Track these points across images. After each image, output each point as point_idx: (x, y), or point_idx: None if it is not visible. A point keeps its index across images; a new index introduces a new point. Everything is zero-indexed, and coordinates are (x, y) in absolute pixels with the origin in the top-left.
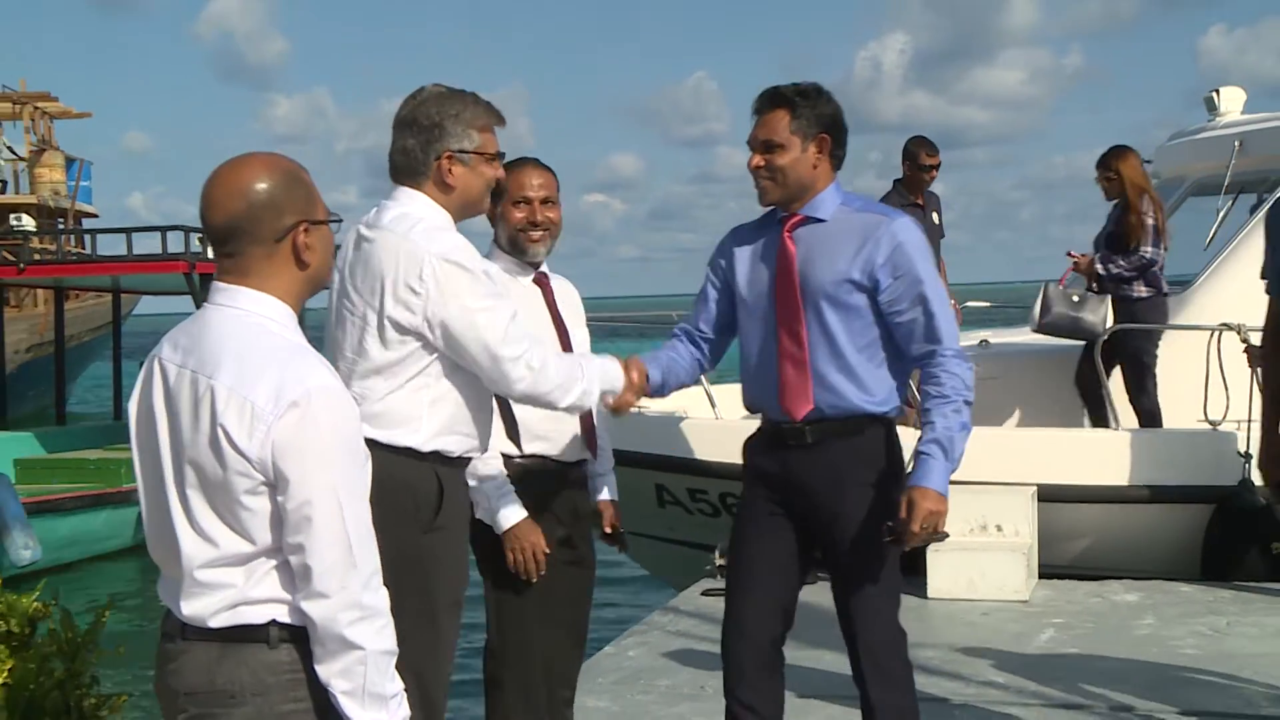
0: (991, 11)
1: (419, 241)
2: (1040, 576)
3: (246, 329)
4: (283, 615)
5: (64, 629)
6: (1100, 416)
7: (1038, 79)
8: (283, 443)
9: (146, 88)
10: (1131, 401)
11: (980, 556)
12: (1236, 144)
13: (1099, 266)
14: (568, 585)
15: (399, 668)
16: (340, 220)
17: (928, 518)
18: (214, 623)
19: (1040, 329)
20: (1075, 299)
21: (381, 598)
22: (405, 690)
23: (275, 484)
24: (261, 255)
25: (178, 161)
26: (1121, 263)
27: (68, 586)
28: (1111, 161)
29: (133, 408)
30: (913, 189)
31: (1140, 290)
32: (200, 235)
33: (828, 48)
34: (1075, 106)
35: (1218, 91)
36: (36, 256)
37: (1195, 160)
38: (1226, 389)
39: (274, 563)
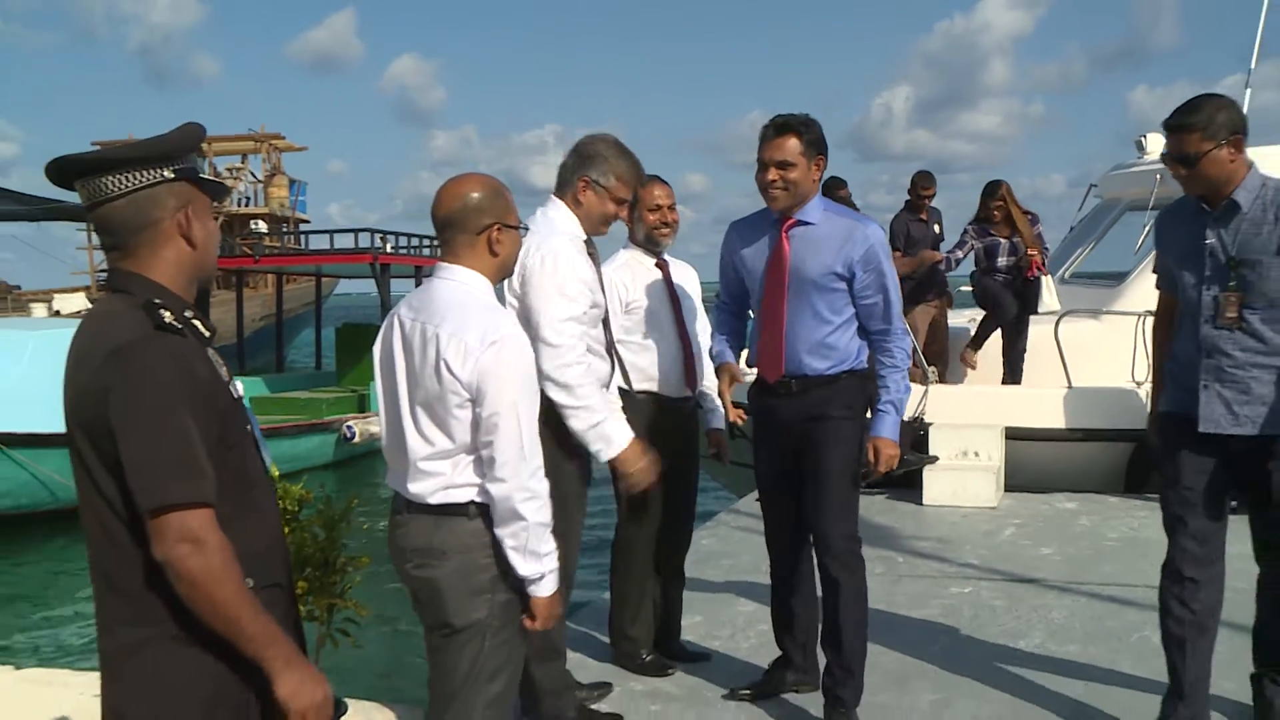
0: (976, 70)
1: (534, 237)
2: (1005, 490)
3: (458, 294)
4: (479, 496)
5: (326, 508)
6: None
7: (1009, 121)
8: (484, 370)
9: (345, 127)
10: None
11: (962, 475)
12: (1159, 175)
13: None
14: (678, 489)
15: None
16: (526, 229)
17: (888, 461)
18: (431, 500)
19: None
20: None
21: (543, 485)
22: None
23: (475, 399)
24: (465, 243)
25: (364, 181)
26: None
27: None
28: (999, 190)
29: (377, 351)
30: (915, 209)
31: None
32: (382, 234)
33: (850, 95)
34: (1037, 143)
35: (1145, 136)
36: (266, 251)
37: (1129, 187)
38: (1149, 358)
39: (472, 458)
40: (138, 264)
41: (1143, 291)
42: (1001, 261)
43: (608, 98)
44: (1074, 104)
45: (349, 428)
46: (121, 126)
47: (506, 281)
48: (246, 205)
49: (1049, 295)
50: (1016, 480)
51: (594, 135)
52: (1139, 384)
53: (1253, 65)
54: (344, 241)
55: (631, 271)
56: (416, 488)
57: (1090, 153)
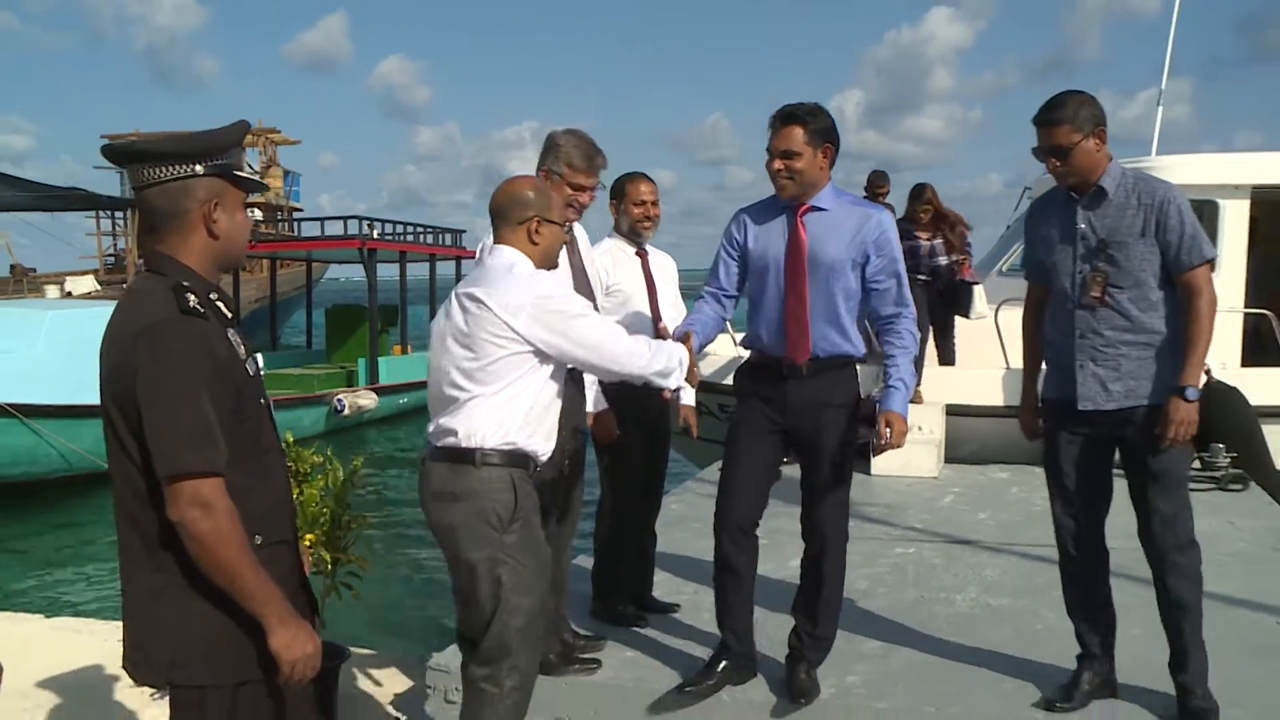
0: (921, 78)
1: None
2: (946, 462)
3: (502, 265)
4: (488, 444)
5: (334, 469)
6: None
7: (951, 125)
8: (535, 319)
9: (336, 122)
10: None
11: (908, 448)
12: None
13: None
14: (651, 458)
15: None
16: (564, 225)
17: (899, 435)
18: (446, 447)
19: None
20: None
21: (635, 354)
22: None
23: (536, 342)
24: (509, 231)
25: (353, 173)
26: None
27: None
28: (925, 193)
29: (435, 323)
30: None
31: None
32: (369, 222)
33: (805, 96)
34: (976, 146)
35: None
36: (261, 238)
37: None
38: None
39: (484, 412)
40: (169, 248)
41: None
42: (924, 264)
43: (581, 97)
44: (1009, 110)
45: (339, 401)
46: (129, 122)
47: None
48: None
49: (980, 303)
50: (956, 453)
51: (558, 129)
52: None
53: (1163, 86)
54: (334, 229)
55: (614, 258)
56: (438, 438)
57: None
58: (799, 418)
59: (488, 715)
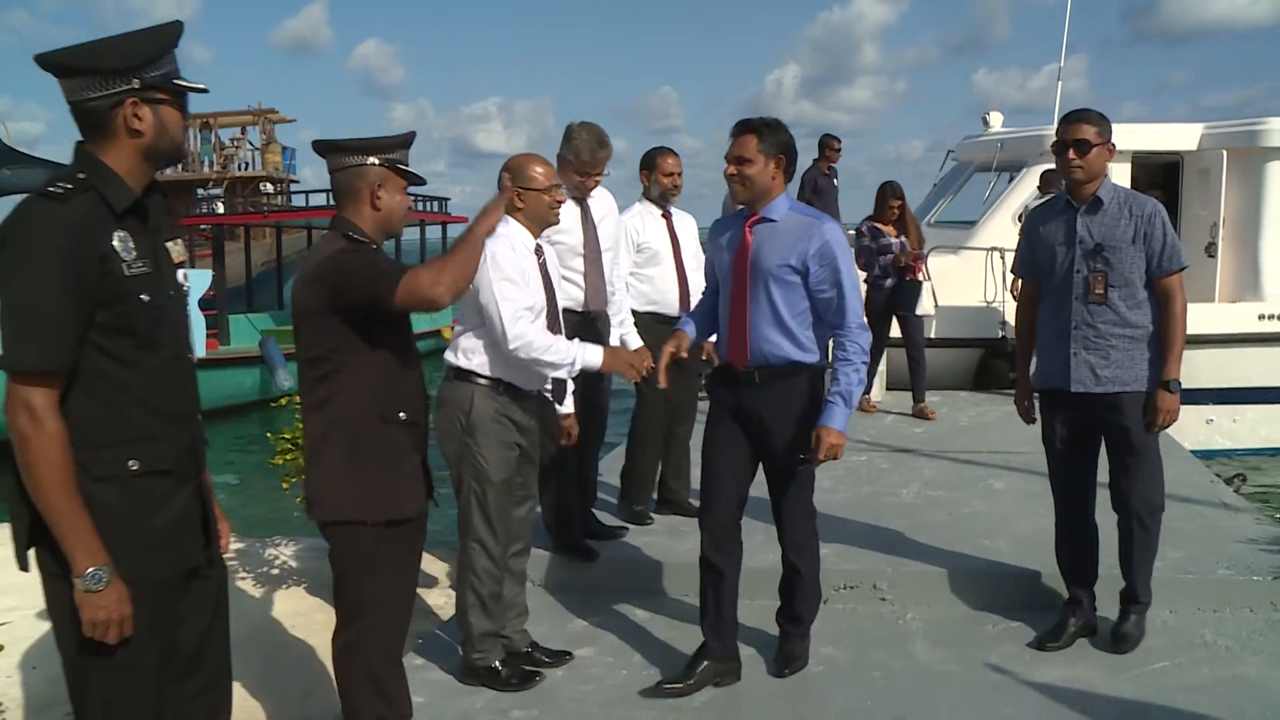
0: (850, 54)
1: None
2: (887, 389)
3: (498, 240)
4: (457, 362)
5: None
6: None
7: (879, 96)
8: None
9: (322, 100)
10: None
11: None
12: (999, 145)
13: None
14: (679, 382)
15: None
16: (556, 189)
17: (830, 450)
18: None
19: None
20: None
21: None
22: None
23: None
24: (504, 200)
25: None
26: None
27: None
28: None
29: None
30: (825, 164)
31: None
32: None
33: (747, 71)
34: (901, 114)
35: (989, 113)
36: (266, 209)
37: (977, 154)
38: (996, 284)
39: (461, 339)
40: (347, 214)
41: (989, 233)
42: (883, 260)
43: (542, 72)
44: (929, 82)
45: None
46: None
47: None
48: (246, 170)
49: (927, 299)
50: (894, 380)
51: (576, 123)
52: (989, 303)
53: (1061, 64)
54: (320, 200)
55: (643, 220)
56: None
57: (942, 123)
58: (752, 423)
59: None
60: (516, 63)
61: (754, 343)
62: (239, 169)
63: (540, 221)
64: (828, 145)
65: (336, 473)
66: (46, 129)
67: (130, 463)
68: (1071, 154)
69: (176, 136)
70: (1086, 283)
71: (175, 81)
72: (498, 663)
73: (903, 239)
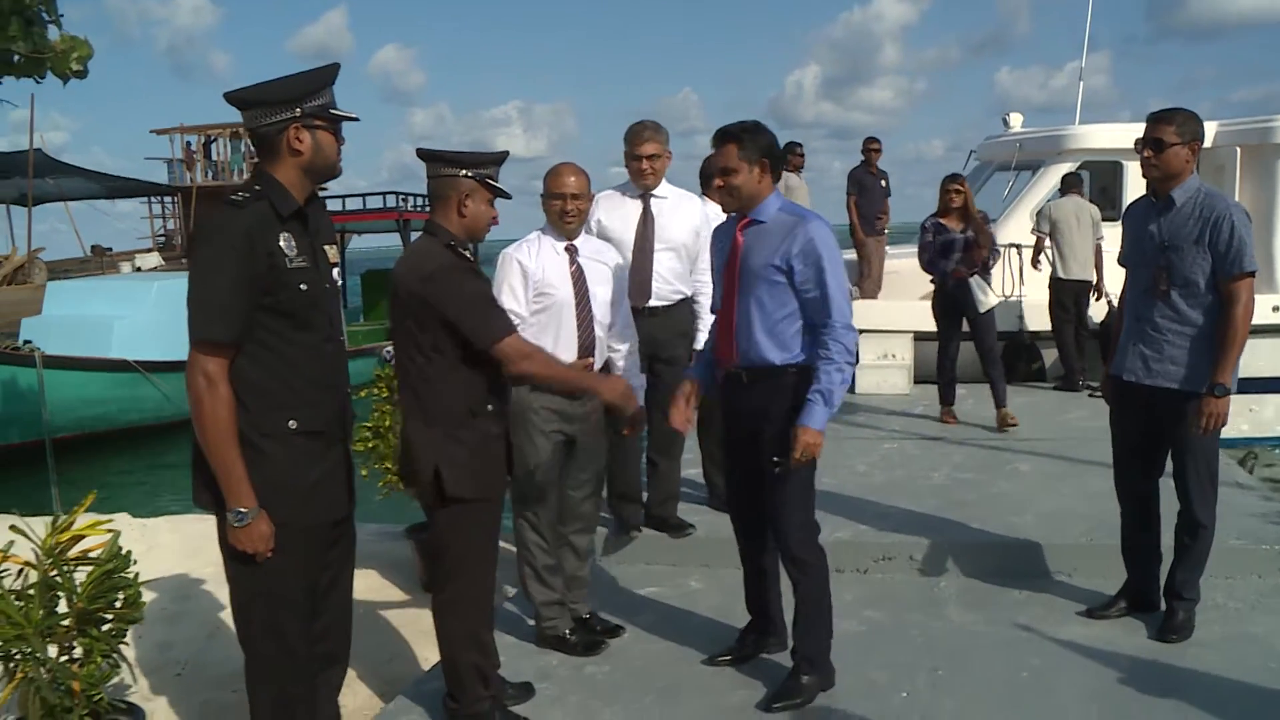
0: (872, 54)
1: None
2: (915, 382)
3: (511, 248)
4: None
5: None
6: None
7: (899, 96)
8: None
9: (343, 106)
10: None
11: (884, 370)
12: (1018, 145)
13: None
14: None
15: None
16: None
17: (805, 449)
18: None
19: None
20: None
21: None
22: None
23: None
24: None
25: (355, 153)
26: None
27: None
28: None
29: None
30: (870, 164)
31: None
32: (403, 195)
33: (768, 72)
34: (921, 114)
35: (1009, 114)
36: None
37: (997, 153)
38: (1015, 279)
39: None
40: (439, 219)
41: (1009, 230)
42: (954, 258)
43: (562, 76)
44: (951, 82)
45: (387, 351)
46: (154, 116)
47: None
48: None
49: (979, 294)
50: (922, 373)
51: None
52: (1007, 297)
53: (1083, 63)
54: (373, 203)
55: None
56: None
57: (964, 123)
58: (741, 425)
59: None
60: (536, 66)
61: (741, 343)
62: None
63: (554, 226)
64: (867, 146)
65: (452, 456)
66: (70, 138)
67: (290, 422)
68: (1148, 152)
69: (331, 156)
70: (1152, 278)
71: (331, 111)
72: (567, 631)
73: (968, 233)
